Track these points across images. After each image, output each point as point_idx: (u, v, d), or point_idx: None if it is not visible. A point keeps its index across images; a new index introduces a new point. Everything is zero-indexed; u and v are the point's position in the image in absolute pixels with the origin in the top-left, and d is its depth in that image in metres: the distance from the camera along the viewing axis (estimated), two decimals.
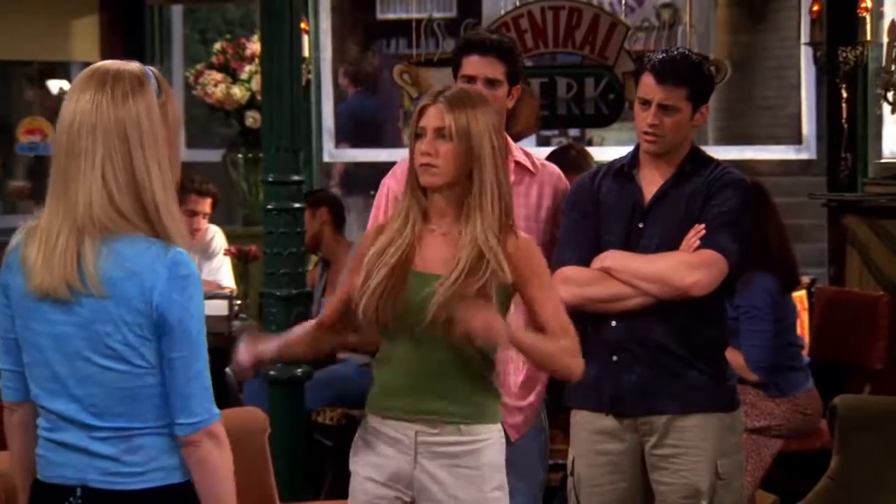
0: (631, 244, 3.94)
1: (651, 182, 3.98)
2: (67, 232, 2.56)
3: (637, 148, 4.02)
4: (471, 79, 3.98)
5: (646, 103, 3.92)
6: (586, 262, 3.95)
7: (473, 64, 3.98)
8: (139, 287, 2.55)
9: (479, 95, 3.46)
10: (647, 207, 3.96)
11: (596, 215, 3.99)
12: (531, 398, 4.09)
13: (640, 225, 3.95)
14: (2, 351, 2.72)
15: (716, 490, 3.90)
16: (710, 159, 4.03)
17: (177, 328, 2.56)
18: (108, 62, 2.68)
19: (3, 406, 2.78)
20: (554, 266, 3.99)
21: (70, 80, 8.60)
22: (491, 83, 3.97)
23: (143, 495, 2.60)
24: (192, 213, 6.75)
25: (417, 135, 3.33)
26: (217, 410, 2.64)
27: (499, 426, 3.41)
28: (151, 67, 2.69)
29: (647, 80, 3.92)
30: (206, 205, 6.88)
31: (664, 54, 3.98)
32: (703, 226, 3.87)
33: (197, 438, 2.59)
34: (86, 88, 2.60)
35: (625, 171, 4.02)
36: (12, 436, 2.78)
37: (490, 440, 3.37)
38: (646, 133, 3.93)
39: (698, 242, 3.86)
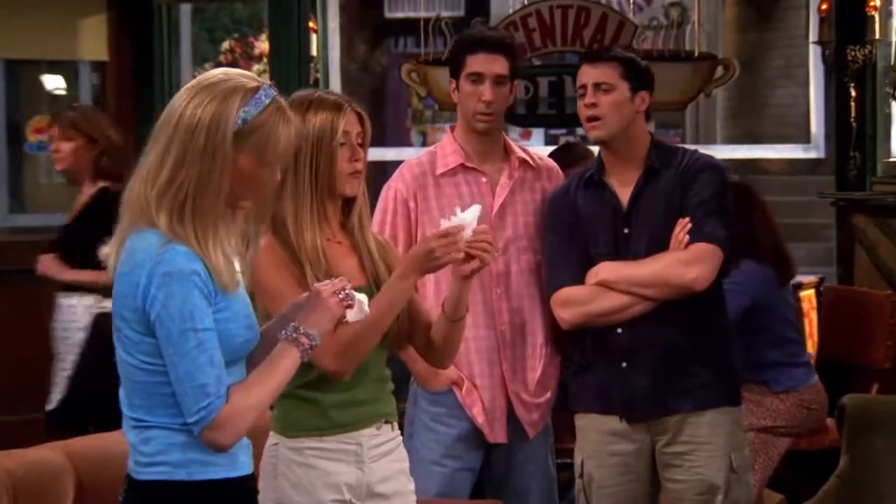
0: (620, 251, 3.90)
1: (623, 184, 3.93)
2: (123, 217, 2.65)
3: (601, 154, 3.99)
4: (479, 76, 3.97)
5: (582, 88, 3.92)
6: (580, 280, 3.91)
7: (481, 61, 3.97)
8: (134, 283, 2.57)
9: None
10: (626, 211, 3.91)
11: (578, 229, 3.93)
12: (548, 395, 4.07)
13: (626, 230, 3.91)
14: None
15: (730, 484, 3.89)
16: (674, 149, 4.00)
17: (157, 326, 2.56)
18: (227, 70, 2.69)
19: None
20: (548, 290, 3.96)
21: (78, 80, 8.63)
22: (498, 80, 3.97)
23: (144, 486, 2.63)
24: None
25: (341, 142, 3.19)
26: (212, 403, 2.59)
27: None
28: (272, 90, 2.64)
29: (581, 68, 3.95)
30: None
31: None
32: (687, 219, 3.84)
33: (204, 437, 2.60)
34: (185, 88, 2.66)
35: (594, 179, 3.96)
36: None
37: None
38: (588, 120, 3.91)
39: (687, 237, 3.83)
